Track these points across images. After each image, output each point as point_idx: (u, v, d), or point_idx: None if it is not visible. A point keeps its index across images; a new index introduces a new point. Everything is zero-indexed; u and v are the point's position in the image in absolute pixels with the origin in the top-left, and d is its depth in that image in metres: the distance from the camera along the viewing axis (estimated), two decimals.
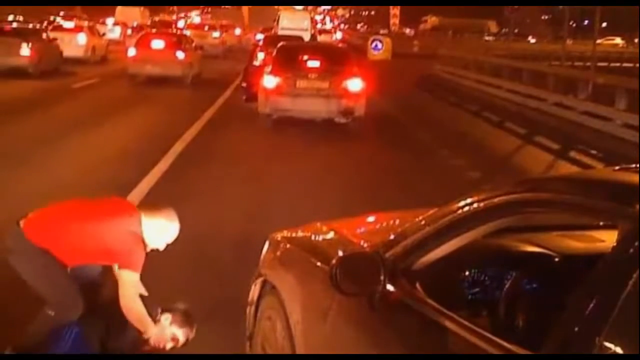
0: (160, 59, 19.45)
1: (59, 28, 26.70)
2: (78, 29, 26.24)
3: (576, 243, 2.78)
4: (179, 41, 21.31)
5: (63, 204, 3.76)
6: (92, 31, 27.36)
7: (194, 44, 22.40)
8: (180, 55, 19.92)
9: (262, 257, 3.45)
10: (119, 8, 52.53)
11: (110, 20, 45.02)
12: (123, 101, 15.73)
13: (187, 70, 19.81)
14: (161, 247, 3.68)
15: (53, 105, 14.24)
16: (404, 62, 33.08)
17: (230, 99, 16.34)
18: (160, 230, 3.61)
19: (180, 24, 59.42)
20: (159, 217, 3.63)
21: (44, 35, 22.16)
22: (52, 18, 43.02)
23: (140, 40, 21.02)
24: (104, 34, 30.40)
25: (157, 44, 20.41)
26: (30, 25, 27.66)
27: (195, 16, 77.78)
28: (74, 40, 24.59)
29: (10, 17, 39.13)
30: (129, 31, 38.20)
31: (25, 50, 19.07)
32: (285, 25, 35.56)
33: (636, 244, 1.62)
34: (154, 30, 30.70)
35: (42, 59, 19.71)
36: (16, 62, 18.88)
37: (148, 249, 3.60)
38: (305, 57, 13.16)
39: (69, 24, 28.75)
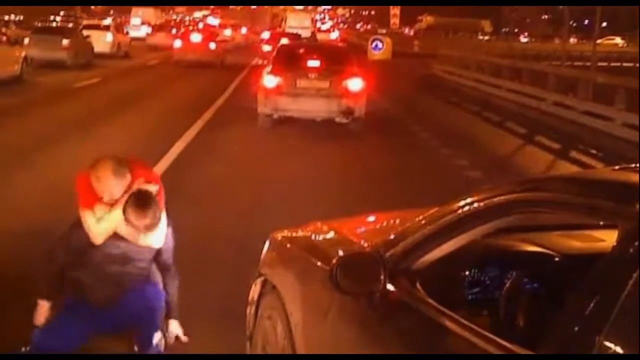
0: (198, 49, 26.23)
1: (89, 26, 30.05)
2: (106, 28, 30.23)
3: (576, 243, 2.78)
4: (211, 35, 28.78)
5: None
6: (117, 30, 31.39)
7: (218, 38, 29.41)
8: (212, 46, 27.00)
9: (262, 256, 3.45)
10: (134, 9, 55.04)
11: (134, 20, 50.10)
12: (176, 75, 22.38)
13: (217, 58, 26.48)
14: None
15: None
16: (404, 61, 33.06)
17: (246, 76, 21.58)
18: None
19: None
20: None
21: (79, 33, 25.58)
22: (51, 17, 43.29)
23: (182, 35, 28.83)
24: (127, 33, 34.16)
25: (196, 37, 27.60)
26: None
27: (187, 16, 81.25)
28: (102, 37, 27.78)
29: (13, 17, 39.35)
30: (150, 30, 42.19)
31: (65, 45, 22.37)
32: (291, 24, 43.08)
33: (636, 243, 1.62)
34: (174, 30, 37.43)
35: (78, 54, 23.05)
36: (57, 55, 21.97)
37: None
38: (306, 57, 13.15)
39: (98, 23, 32.78)
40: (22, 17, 41.36)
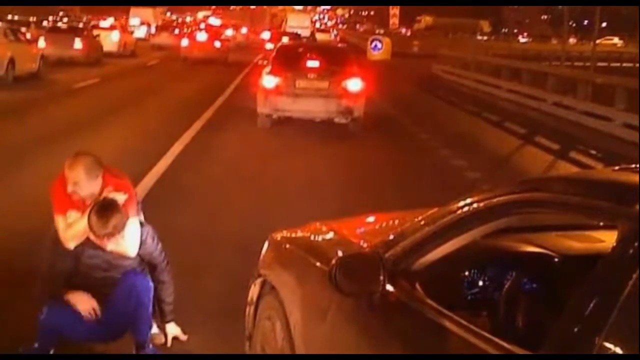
0: (204, 47, 28.69)
1: (97, 27, 31.74)
2: (112, 28, 31.70)
3: (576, 243, 2.77)
4: (216, 35, 31.54)
5: None
6: (123, 29, 33.05)
7: (222, 37, 32.17)
8: (217, 44, 29.73)
9: (261, 257, 3.45)
10: (132, 9, 55.32)
11: (133, 20, 50.94)
12: (183, 71, 24.09)
13: (221, 55, 28.84)
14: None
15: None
16: (403, 61, 33.06)
17: (249, 72, 22.87)
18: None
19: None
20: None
21: (90, 33, 26.88)
22: (50, 18, 43.35)
23: (189, 35, 31.68)
24: (132, 32, 35.55)
25: (201, 36, 30.08)
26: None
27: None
28: (109, 37, 29.03)
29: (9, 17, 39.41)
30: (153, 30, 43.70)
31: (78, 44, 23.99)
32: (291, 24, 46.69)
33: (636, 244, 1.61)
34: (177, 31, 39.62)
35: (90, 52, 24.51)
36: (71, 53, 23.67)
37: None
38: (305, 57, 13.14)
39: (105, 24, 34.41)
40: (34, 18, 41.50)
